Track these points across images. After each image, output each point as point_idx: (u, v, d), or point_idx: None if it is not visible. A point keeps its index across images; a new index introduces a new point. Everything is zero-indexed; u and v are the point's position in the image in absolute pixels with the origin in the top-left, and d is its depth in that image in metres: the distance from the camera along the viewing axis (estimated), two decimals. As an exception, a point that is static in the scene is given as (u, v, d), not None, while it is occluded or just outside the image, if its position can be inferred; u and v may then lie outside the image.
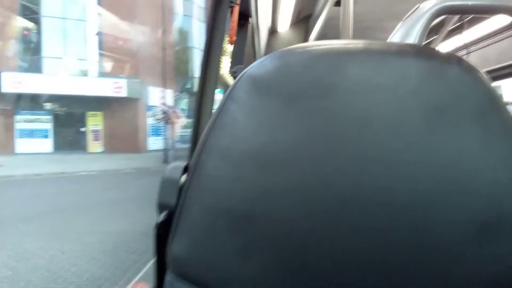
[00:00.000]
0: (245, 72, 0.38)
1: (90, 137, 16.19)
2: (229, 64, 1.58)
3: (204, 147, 0.38)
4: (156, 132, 16.15)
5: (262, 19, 1.76)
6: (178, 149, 14.08)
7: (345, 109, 0.34)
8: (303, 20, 2.30)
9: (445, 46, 2.20)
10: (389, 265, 0.33)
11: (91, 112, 16.12)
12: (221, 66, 1.25)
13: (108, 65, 16.16)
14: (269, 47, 2.23)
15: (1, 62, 14.01)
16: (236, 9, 1.24)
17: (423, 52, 0.36)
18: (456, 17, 1.63)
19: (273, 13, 2.02)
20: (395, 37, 0.62)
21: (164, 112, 13.69)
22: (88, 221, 5.14)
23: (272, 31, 2.24)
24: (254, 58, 1.95)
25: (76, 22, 15.16)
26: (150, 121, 16.23)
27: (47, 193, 7.16)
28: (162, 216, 0.41)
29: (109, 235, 4.52)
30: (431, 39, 1.91)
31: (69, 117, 16.10)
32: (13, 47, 14.67)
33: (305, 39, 2.30)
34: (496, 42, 1.94)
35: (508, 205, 0.33)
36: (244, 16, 1.50)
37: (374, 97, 0.34)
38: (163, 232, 0.40)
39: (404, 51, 0.36)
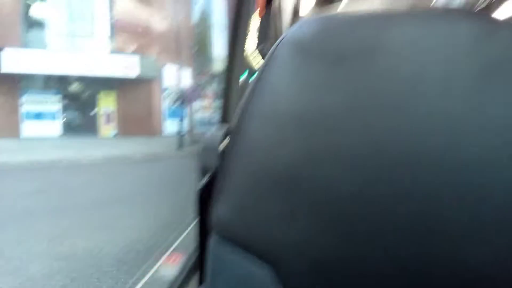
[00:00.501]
0: (285, 37, 0.37)
1: (101, 119, 15.10)
2: (256, 41, 1.51)
3: (245, 111, 0.37)
4: (174, 114, 14.96)
5: (286, 2, 1.72)
6: (196, 133, 12.82)
7: (392, 71, 0.33)
8: (325, 3, 2.12)
9: None
10: (439, 232, 0.32)
11: (103, 92, 14.98)
12: (246, 44, 1.24)
13: (121, 44, 14.88)
14: None
15: (4, 37, 12.94)
16: None
17: (471, 15, 0.35)
18: None
19: None
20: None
21: (180, 93, 12.43)
22: (51, 234, 3.84)
23: (295, 14, 2.07)
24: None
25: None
26: (167, 102, 15.05)
27: (24, 189, 5.91)
28: (204, 180, 0.41)
29: (68, 260, 3.20)
30: None
31: (79, 98, 15.04)
32: (17, 22, 13.58)
33: None
34: None
35: None
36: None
37: (422, 58, 0.33)
38: (205, 195, 0.40)
39: (451, 13, 0.35)
